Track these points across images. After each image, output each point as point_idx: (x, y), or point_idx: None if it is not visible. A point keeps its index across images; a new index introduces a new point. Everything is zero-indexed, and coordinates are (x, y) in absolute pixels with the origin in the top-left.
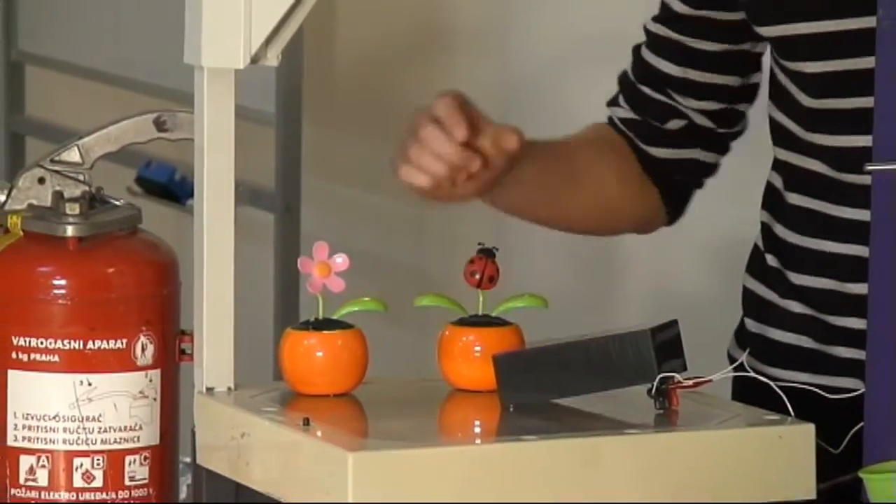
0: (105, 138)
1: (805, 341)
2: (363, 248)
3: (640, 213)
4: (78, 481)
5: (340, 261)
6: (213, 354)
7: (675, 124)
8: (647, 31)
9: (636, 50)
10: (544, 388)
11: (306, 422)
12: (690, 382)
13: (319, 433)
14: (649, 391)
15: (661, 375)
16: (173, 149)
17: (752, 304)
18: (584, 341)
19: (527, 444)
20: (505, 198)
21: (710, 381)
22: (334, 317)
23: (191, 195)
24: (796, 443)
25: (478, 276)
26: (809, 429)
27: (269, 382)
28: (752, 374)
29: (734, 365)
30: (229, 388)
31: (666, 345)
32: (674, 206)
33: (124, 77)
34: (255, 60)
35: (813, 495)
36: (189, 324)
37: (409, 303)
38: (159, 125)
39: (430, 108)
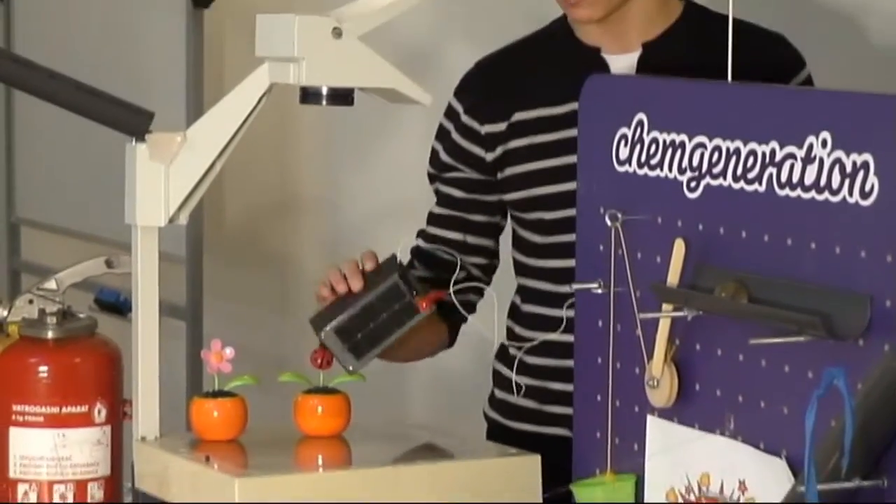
0: (73, 273)
1: (531, 403)
2: (244, 343)
3: (438, 343)
4: (56, 500)
5: (229, 352)
6: (145, 414)
7: (459, 275)
8: (431, 215)
9: (422, 232)
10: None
11: (207, 458)
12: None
13: (216, 466)
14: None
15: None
16: (118, 279)
17: (499, 380)
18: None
19: (350, 471)
20: (387, 359)
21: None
22: (225, 389)
23: (131, 310)
24: (529, 466)
25: (319, 361)
26: (537, 458)
27: (182, 433)
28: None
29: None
30: (156, 437)
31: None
32: (454, 335)
33: (86, 232)
34: (171, 220)
35: (539, 500)
36: (129, 394)
37: (275, 378)
38: (109, 264)
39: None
